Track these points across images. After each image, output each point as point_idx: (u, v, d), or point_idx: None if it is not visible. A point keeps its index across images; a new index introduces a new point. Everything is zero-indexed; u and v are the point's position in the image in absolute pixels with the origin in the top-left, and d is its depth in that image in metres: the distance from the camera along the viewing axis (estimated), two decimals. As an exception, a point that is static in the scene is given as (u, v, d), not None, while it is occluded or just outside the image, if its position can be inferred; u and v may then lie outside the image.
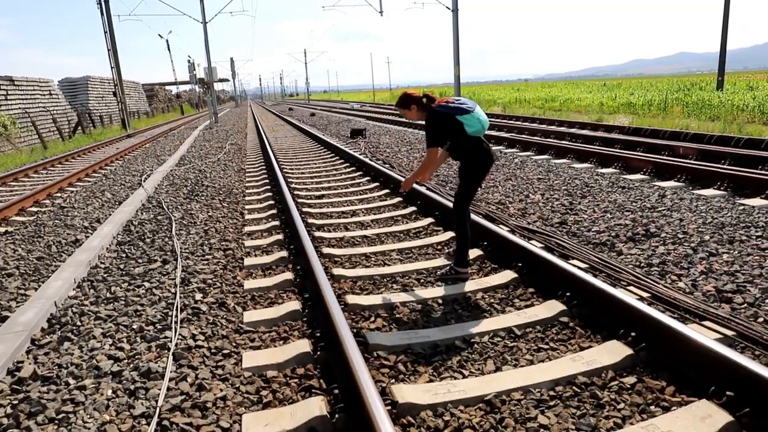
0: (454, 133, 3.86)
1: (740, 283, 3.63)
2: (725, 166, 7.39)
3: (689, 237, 4.67)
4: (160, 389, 2.71)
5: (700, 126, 14.22)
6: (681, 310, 3.27)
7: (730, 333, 2.95)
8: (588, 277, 3.44)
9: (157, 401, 2.61)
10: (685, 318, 3.17)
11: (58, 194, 9.22)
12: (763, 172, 7.04)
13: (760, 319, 3.14)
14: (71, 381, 2.82)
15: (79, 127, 26.51)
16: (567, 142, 11.33)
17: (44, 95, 25.63)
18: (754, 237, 4.56)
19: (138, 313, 3.68)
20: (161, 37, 43.38)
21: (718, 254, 4.22)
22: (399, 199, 6.94)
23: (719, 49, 23.22)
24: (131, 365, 2.97)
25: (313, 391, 2.71)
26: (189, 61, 29.97)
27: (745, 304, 3.35)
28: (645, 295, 3.52)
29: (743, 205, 5.64)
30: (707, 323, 3.07)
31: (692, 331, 2.63)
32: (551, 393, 2.59)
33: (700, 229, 4.85)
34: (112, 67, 26.93)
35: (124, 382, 2.80)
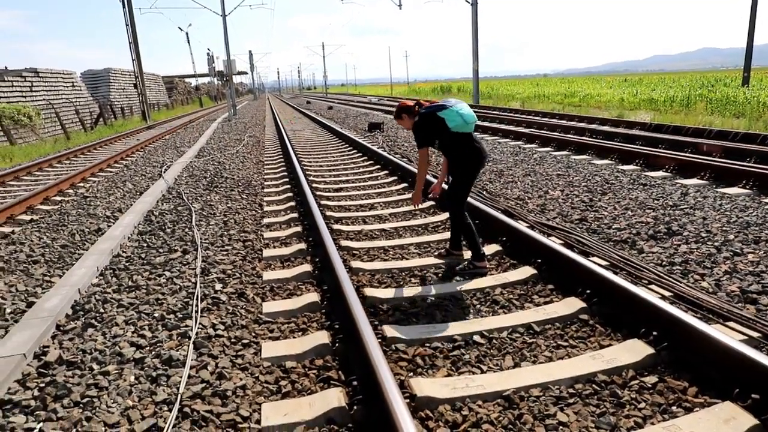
0: (438, 131, 3.97)
1: (766, 284, 3.57)
2: (750, 164, 7.25)
3: (713, 236, 4.59)
4: (181, 377, 2.75)
5: (724, 123, 13.96)
6: (704, 310, 3.22)
7: (755, 334, 2.90)
8: (609, 275, 3.40)
9: (178, 388, 2.65)
10: (709, 318, 3.12)
11: (81, 184, 9.37)
12: (789, 171, 6.88)
13: (786, 321, 3.08)
14: (95, 366, 2.87)
15: (101, 119, 26.88)
16: (587, 138, 11.20)
17: (67, 87, 26.03)
18: (779, 237, 4.47)
19: (159, 302, 3.73)
20: (181, 29, 43.72)
21: (743, 254, 4.14)
22: (417, 193, 6.92)
23: (746, 44, 22.73)
24: (153, 352, 3.01)
25: (332, 382, 2.73)
26: (208, 54, 30.15)
27: (771, 305, 3.29)
28: (667, 294, 3.47)
29: (769, 204, 5.53)
30: (731, 324, 3.03)
31: (716, 332, 2.59)
32: (570, 390, 2.57)
33: (724, 228, 4.77)
34: (133, 60, 27.21)
35: (146, 368, 2.84)
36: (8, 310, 3.68)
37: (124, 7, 25.79)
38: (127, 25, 26.08)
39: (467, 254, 4.33)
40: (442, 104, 3.98)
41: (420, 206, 4.25)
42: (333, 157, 11.23)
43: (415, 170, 7.57)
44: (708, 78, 33.98)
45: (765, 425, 2.17)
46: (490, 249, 4.55)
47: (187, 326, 3.33)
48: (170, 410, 2.48)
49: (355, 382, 2.63)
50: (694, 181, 6.92)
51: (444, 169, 4.11)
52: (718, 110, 16.98)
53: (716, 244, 4.39)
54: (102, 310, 3.62)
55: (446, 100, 4.02)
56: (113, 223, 5.98)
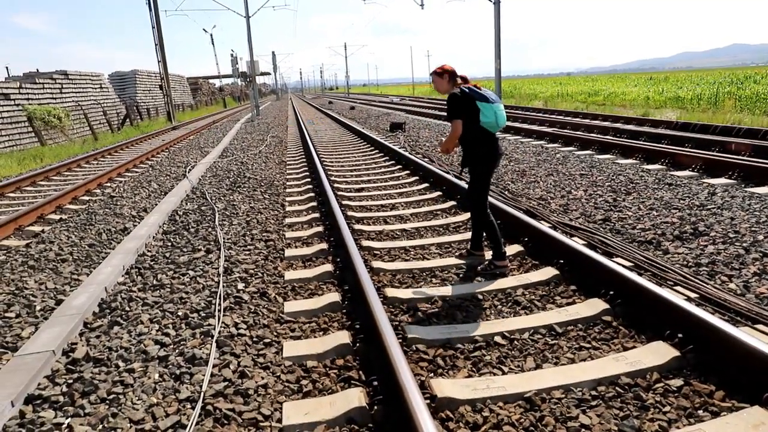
0: (468, 115, 3.94)
1: (796, 286, 3.48)
2: (781, 164, 7.05)
3: (741, 236, 4.49)
4: (204, 375, 2.79)
5: (753, 121, 13.62)
6: (732, 312, 3.15)
7: (784, 337, 2.83)
8: (633, 276, 3.35)
9: (201, 386, 2.69)
10: (736, 321, 3.06)
11: (108, 184, 9.56)
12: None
13: (818, 324, 3.00)
14: (121, 364, 2.93)
15: (127, 120, 27.40)
16: (611, 137, 11.04)
17: (95, 89, 26.58)
18: (812, 238, 4.35)
19: (183, 301, 3.79)
20: (205, 31, 44.17)
21: (773, 255, 4.04)
22: (439, 193, 6.91)
23: (777, 40, 22.14)
24: (177, 351, 3.06)
25: (353, 382, 2.74)
26: (232, 55, 30.50)
27: (802, 308, 3.20)
28: (693, 295, 3.40)
29: (800, 204, 5.38)
30: (760, 327, 2.96)
31: (744, 335, 2.53)
32: (593, 393, 2.54)
33: (753, 229, 4.65)
34: (158, 62, 27.65)
35: (170, 366, 2.89)
36: (38, 308, 3.78)
37: (150, 9, 26.23)
38: (153, 27, 26.53)
39: (489, 255, 4.31)
40: (485, 95, 3.93)
41: (445, 151, 4.20)
42: (355, 157, 11.26)
43: (436, 170, 7.56)
44: (737, 75, 33.19)
45: (795, 431, 2.12)
46: (512, 249, 4.52)
47: (210, 325, 3.37)
48: (193, 408, 2.52)
49: (375, 383, 2.63)
50: (722, 180, 6.76)
51: (451, 137, 4.06)
52: (748, 108, 16.58)
53: (745, 244, 4.29)
54: (127, 308, 3.69)
55: (489, 93, 3.95)
56: (139, 223, 6.09)
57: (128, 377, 2.78)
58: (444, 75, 4.10)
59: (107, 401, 2.60)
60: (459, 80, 4.08)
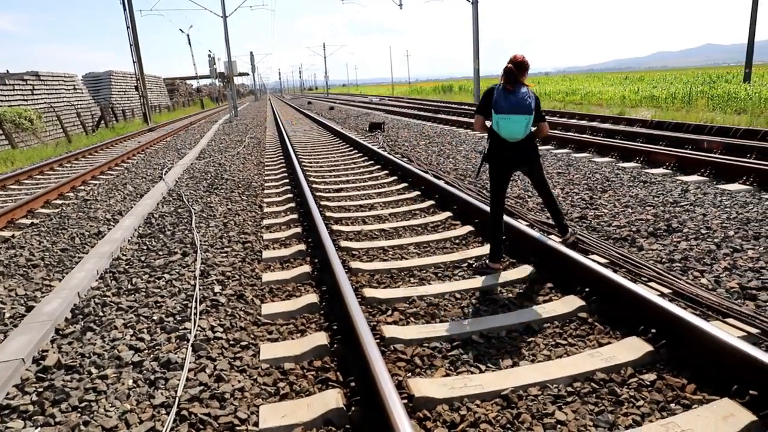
0: (487, 116, 3.95)
1: (765, 280, 3.56)
2: (751, 160, 7.22)
3: (713, 232, 4.57)
4: (179, 380, 2.75)
5: (725, 119, 13.92)
6: (703, 307, 3.21)
7: (754, 331, 2.89)
8: (608, 273, 3.39)
9: (176, 391, 2.65)
10: (708, 315, 3.11)
11: (82, 187, 9.39)
12: (790, 166, 6.86)
13: (786, 317, 3.07)
14: (93, 370, 2.87)
15: (102, 121, 26.94)
16: (588, 136, 11.19)
17: (68, 90, 26.09)
18: (780, 233, 4.46)
19: (158, 305, 3.73)
20: (182, 31, 43.72)
21: (743, 250, 4.13)
22: (417, 192, 6.92)
23: (747, 40, 22.65)
24: (151, 356, 3.01)
25: (330, 383, 2.73)
26: (209, 56, 30.18)
27: (770, 302, 3.27)
28: (666, 291, 3.46)
29: (770, 200, 5.51)
30: (730, 320, 3.02)
31: (715, 329, 2.58)
32: (569, 389, 2.57)
33: (724, 225, 4.75)
34: (134, 62, 27.26)
35: (145, 372, 2.85)
36: (7, 315, 3.69)
37: (124, 9, 25.84)
38: (128, 27, 26.13)
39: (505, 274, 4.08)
40: (501, 104, 3.78)
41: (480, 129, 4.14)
42: (334, 157, 11.23)
43: (415, 169, 7.58)
44: (710, 74, 33.89)
45: (764, 421, 2.16)
46: (488, 248, 4.54)
47: (186, 329, 3.33)
48: (168, 413, 2.48)
49: (353, 383, 2.63)
50: (695, 177, 6.89)
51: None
52: (720, 107, 16.94)
53: (716, 240, 4.38)
54: (101, 314, 3.62)
55: (510, 102, 3.78)
56: (113, 226, 5.99)
57: (101, 384, 2.73)
58: (528, 69, 3.92)
59: (79, 409, 2.55)
60: (511, 76, 3.82)
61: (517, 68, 3.83)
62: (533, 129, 4.04)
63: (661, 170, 7.49)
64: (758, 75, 27.45)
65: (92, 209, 7.07)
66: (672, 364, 2.69)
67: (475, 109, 4.06)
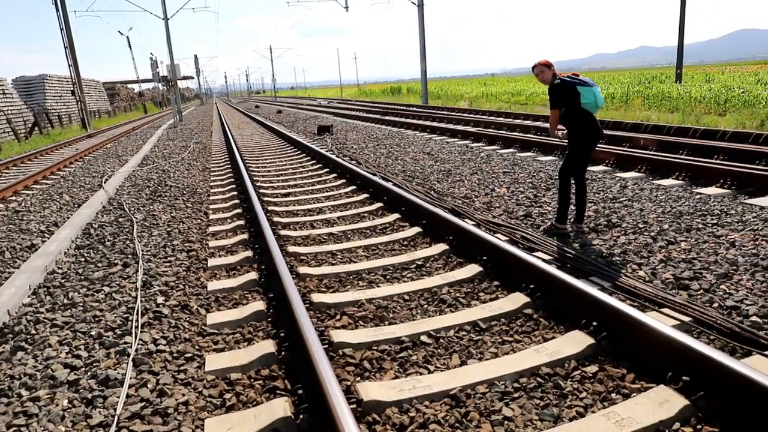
0: (569, 101, 4.52)
1: (697, 270, 3.74)
2: (683, 157, 7.59)
3: (649, 226, 4.77)
4: (119, 397, 2.63)
5: (660, 118, 14.59)
6: (641, 299, 3.34)
7: (687, 319, 3.02)
8: (551, 269, 3.48)
9: (115, 409, 2.53)
10: (645, 306, 3.24)
11: (13, 198, 8.89)
12: (718, 161, 7.26)
13: (715, 305, 3.23)
14: (24, 393, 2.71)
15: (36, 128, 25.64)
16: (532, 136, 11.48)
17: (-2, 95, 24.70)
18: (709, 225, 4.70)
19: (97, 319, 3.57)
20: (121, 33, 42.16)
21: (677, 242, 4.33)
22: (366, 195, 6.91)
23: (677, 43, 23.85)
24: (89, 373, 2.87)
25: (278, 392, 2.68)
26: (151, 59, 29.23)
27: (702, 291, 3.44)
28: (606, 284, 3.58)
29: (700, 194, 5.81)
30: (666, 310, 3.15)
31: (651, 319, 2.68)
32: (515, 385, 2.61)
33: (659, 219, 4.97)
34: (69, 65, 26.09)
35: (81, 391, 2.71)
36: (-71, 337, 3.44)
37: (57, 9, 24.71)
38: (61, 29, 25.00)
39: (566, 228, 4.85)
40: (583, 80, 4.52)
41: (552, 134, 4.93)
42: (281, 161, 11.08)
43: (363, 172, 7.58)
44: (645, 75, 35.44)
45: (695, 405, 2.26)
46: (437, 249, 4.59)
47: (126, 343, 3.20)
48: (106, 432, 2.37)
49: (300, 391, 2.58)
50: (632, 174, 7.19)
51: (551, 124, 4.78)
52: (655, 105, 17.75)
53: (652, 234, 4.57)
54: (33, 331, 3.43)
55: (587, 79, 4.54)
56: (48, 238, 5.70)
57: (32, 406, 2.57)
58: (544, 69, 4.67)
59: (8, 434, 2.40)
60: (554, 69, 4.65)
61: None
62: None
63: (601, 167, 7.76)
64: (688, 76, 28.94)
65: (24, 221, 6.71)
66: (613, 355, 2.78)
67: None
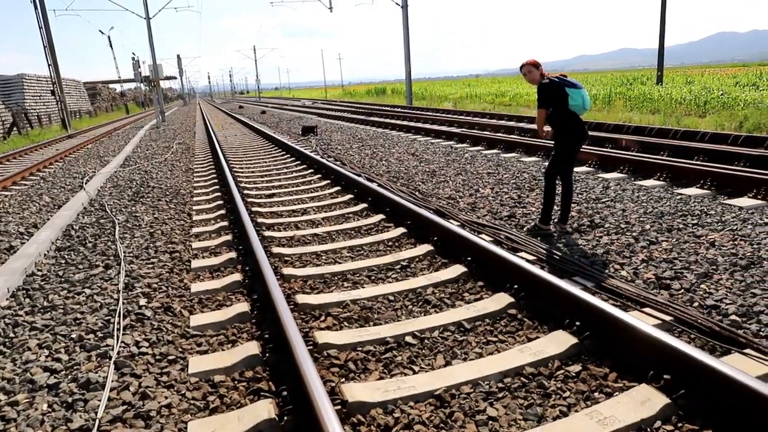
0: (558, 102, 4.57)
1: (678, 270, 3.79)
2: (664, 158, 7.70)
3: (631, 227, 4.83)
4: (100, 400, 2.59)
5: (641, 119, 14.78)
6: (623, 298, 3.38)
7: (668, 318, 3.06)
8: (535, 269, 3.50)
9: (96, 413, 2.50)
10: (627, 306, 3.28)
11: (-8, 199, 8.72)
12: (698, 162, 7.37)
13: (696, 304, 3.28)
14: (2, 397, 2.66)
15: (15, 128, 25.19)
16: (516, 137, 11.56)
17: (-25, 94, 24.23)
18: (690, 225, 4.77)
19: (78, 322, 3.51)
20: (102, 33, 41.61)
21: (658, 242, 4.38)
22: (350, 196, 6.90)
23: (658, 45, 24.19)
24: (69, 377, 2.83)
25: (262, 394, 2.66)
26: (133, 59, 28.88)
27: (682, 290, 3.49)
28: (589, 284, 3.61)
29: (681, 194, 5.89)
30: (647, 310, 3.19)
31: (633, 318, 2.72)
32: (500, 385, 2.62)
33: (641, 219, 5.03)
34: (49, 65, 25.69)
35: (62, 394, 2.67)
36: None
37: (36, 8, 24.31)
38: (40, 27, 24.61)
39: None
40: (572, 82, 4.57)
41: (539, 134, 4.92)
42: (265, 162, 11.02)
43: (348, 173, 7.57)
44: (627, 77, 35.86)
45: (676, 403, 2.29)
46: (422, 249, 4.59)
47: (108, 345, 3.15)
48: (87, 437, 2.33)
49: (285, 392, 2.57)
50: (615, 174, 7.27)
51: (537, 124, 4.83)
52: (636, 107, 17.97)
53: (634, 234, 4.62)
54: (12, 335, 3.37)
55: (575, 81, 4.58)
56: (27, 240, 5.60)
57: (10, 411, 2.53)
58: (531, 69, 4.72)
59: (-15, 440, 2.35)
60: (541, 69, 4.71)
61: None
62: None
63: (584, 168, 7.84)
64: (669, 78, 29.34)
65: (2, 222, 6.58)
66: (596, 355, 2.81)
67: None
